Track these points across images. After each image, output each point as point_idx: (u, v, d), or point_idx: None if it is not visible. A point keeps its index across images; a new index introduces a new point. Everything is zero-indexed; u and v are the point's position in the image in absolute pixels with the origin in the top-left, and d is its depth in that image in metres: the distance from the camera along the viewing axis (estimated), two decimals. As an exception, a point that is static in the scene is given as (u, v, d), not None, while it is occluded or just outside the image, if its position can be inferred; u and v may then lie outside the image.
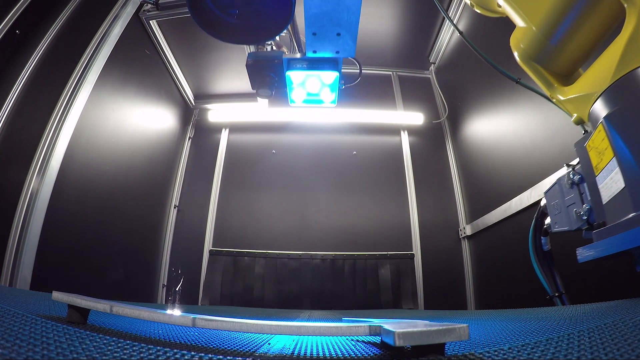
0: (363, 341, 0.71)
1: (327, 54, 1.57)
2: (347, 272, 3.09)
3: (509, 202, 2.35)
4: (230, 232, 3.27)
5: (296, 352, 0.58)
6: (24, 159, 1.72)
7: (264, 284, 3.03)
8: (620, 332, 0.51)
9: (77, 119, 1.91)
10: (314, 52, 1.54)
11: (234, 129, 3.78)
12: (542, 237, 1.46)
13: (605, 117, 0.89)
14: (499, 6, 1.33)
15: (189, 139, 3.70)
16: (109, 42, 2.17)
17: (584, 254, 0.96)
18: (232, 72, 3.42)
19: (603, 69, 0.93)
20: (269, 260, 3.11)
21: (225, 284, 3.03)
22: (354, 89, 3.94)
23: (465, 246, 3.13)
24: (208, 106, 3.85)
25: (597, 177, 0.93)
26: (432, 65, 3.95)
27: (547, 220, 1.35)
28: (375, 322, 0.61)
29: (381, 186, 3.45)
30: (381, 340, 0.61)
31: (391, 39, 3.82)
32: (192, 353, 0.50)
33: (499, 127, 2.61)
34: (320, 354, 0.57)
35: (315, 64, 1.64)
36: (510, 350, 0.50)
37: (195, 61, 3.35)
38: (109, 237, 2.34)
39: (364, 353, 0.57)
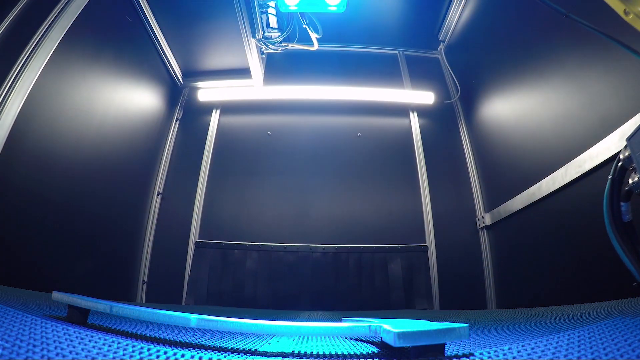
0: (363, 341, 0.79)
1: None
2: (351, 267, 3.09)
3: (537, 184, 2.34)
4: (219, 222, 3.29)
5: (296, 351, 0.66)
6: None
7: (257, 281, 3.02)
8: (620, 332, 0.58)
9: (35, 78, 1.87)
10: None
11: (226, 109, 3.81)
12: (621, 204, 1.21)
13: None
14: None
15: (176, 120, 3.72)
16: (79, -1, 2.16)
17: None
18: (224, 46, 3.38)
19: None
20: (263, 253, 3.12)
21: (213, 281, 3.01)
22: (358, 69, 4.00)
23: (484, 237, 3.16)
24: (198, 84, 3.85)
25: None
26: (442, 44, 4.03)
27: (632, 179, 1.14)
28: (376, 322, 0.68)
29: (389, 170, 3.48)
30: (381, 340, 0.68)
31: (397, 17, 3.87)
32: (192, 353, 0.58)
33: (522, 102, 2.63)
34: (320, 353, 0.65)
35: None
36: (510, 350, 0.57)
37: (184, 33, 3.31)
38: (76, 223, 2.29)
39: (364, 353, 0.65)
